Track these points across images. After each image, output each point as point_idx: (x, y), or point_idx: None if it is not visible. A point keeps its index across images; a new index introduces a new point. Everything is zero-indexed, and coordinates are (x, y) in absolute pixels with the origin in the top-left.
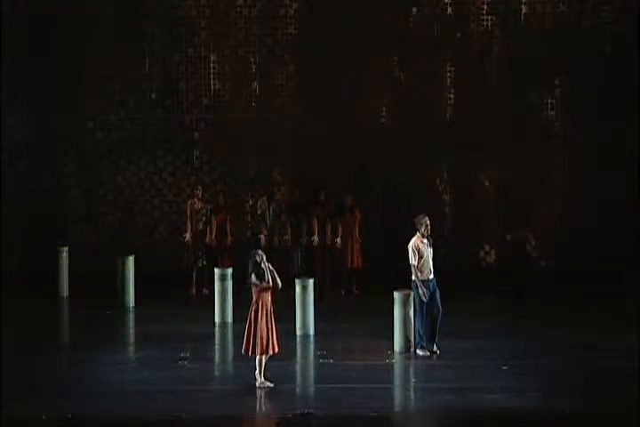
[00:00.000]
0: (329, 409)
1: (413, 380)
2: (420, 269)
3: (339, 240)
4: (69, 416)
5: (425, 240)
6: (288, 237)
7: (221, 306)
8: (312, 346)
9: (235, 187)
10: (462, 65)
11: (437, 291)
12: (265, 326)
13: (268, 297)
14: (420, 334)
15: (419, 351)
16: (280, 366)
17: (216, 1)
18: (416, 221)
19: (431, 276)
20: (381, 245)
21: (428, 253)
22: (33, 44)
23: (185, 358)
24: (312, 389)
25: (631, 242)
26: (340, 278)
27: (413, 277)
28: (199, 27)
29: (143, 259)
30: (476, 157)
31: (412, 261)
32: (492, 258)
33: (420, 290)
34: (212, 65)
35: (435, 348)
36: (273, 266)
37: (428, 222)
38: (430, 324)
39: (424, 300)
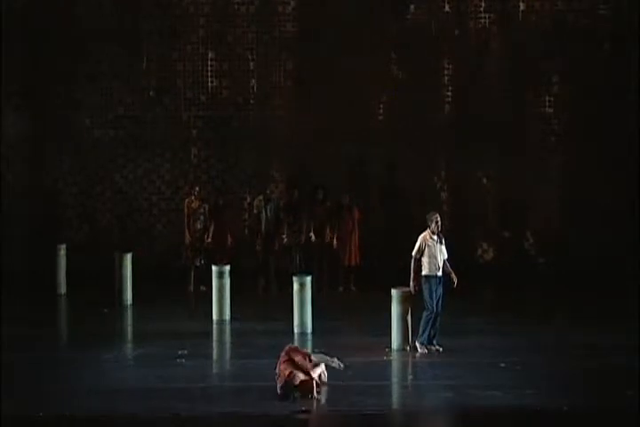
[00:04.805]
0: (326, 407)
1: (411, 377)
2: (426, 264)
3: (335, 240)
4: (67, 414)
5: (435, 237)
6: (285, 235)
7: (219, 303)
8: (310, 344)
9: (232, 185)
10: (460, 62)
11: (441, 289)
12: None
13: None
14: (423, 331)
15: (417, 348)
16: None
17: None
18: (427, 217)
19: (439, 273)
20: (379, 242)
21: (436, 249)
22: (31, 42)
23: (183, 356)
24: None
25: (630, 241)
26: (338, 276)
27: (423, 273)
28: (197, 24)
29: (141, 256)
30: (474, 155)
31: (414, 252)
32: (489, 255)
33: (411, 283)
34: (209, 62)
35: (436, 345)
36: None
37: (439, 219)
38: (432, 321)
39: (412, 292)
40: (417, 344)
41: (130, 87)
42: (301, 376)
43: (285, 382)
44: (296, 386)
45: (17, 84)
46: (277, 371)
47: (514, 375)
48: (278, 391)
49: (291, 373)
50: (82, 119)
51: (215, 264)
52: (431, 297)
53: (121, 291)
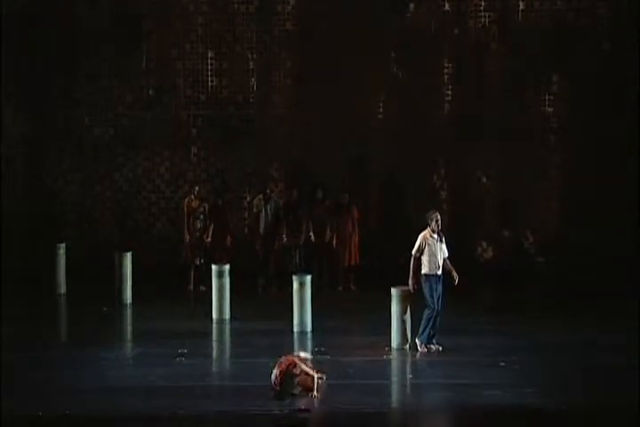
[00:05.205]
0: (326, 405)
1: (411, 376)
2: (426, 263)
3: (334, 239)
4: (67, 413)
5: (435, 235)
6: (284, 235)
7: (219, 303)
8: (309, 342)
9: (232, 184)
10: (460, 61)
11: (441, 287)
12: None
13: None
14: (423, 329)
15: (417, 346)
16: None
17: None
18: (427, 216)
19: (438, 271)
20: (379, 242)
21: (437, 248)
22: (31, 41)
23: (182, 355)
24: None
25: (630, 240)
26: (338, 275)
27: (423, 271)
28: (197, 23)
29: (141, 255)
30: (474, 154)
31: (414, 251)
32: (489, 254)
33: (410, 281)
34: (209, 61)
35: (435, 345)
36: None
37: (439, 218)
38: (432, 320)
39: (411, 290)
40: (417, 341)
41: (129, 86)
42: (303, 366)
43: (287, 368)
44: (296, 375)
45: (17, 84)
46: (276, 371)
47: (513, 374)
48: (276, 388)
49: (292, 362)
50: (81, 118)
51: (215, 263)
52: (432, 295)
53: (121, 290)
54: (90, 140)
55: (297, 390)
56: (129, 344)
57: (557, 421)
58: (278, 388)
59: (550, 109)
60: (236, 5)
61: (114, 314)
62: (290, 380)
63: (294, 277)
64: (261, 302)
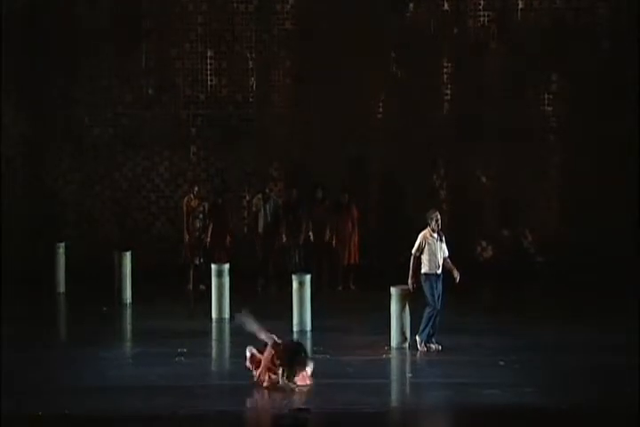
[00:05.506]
0: (325, 405)
1: (410, 375)
2: (426, 262)
3: (334, 239)
4: (66, 413)
5: (435, 235)
6: (284, 234)
7: (218, 302)
8: (309, 342)
9: (232, 183)
10: (459, 61)
11: (441, 286)
12: None
13: None
14: (424, 327)
15: (417, 344)
16: None
17: None
18: (427, 215)
19: (438, 271)
20: (379, 241)
21: (437, 247)
22: (31, 41)
23: (182, 354)
24: None
25: (630, 240)
26: (338, 275)
27: (423, 270)
28: (196, 22)
29: (140, 255)
30: (474, 154)
31: (414, 250)
32: (488, 254)
33: (409, 280)
34: (208, 61)
35: (434, 344)
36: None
37: (439, 217)
38: (433, 318)
39: (410, 290)
40: (417, 339)
41: (129, 86)
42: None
43: (275, 351)
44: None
45: (17, 83)
46: (268, 354)
47: (513, 374)
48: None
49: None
50: (81, 118)
51: (214, 263)
52: (432, 294)
53: (120, 289)
54: (89, 140)
55: (295, 387)
56: (128, 344)
57: (557, 420)
58: (284, 368)
59: (550, 109)
60: (235, 4)
61: (113, 314)
62: (294, 359)
63: (294, 277)
64: (261, 301)
